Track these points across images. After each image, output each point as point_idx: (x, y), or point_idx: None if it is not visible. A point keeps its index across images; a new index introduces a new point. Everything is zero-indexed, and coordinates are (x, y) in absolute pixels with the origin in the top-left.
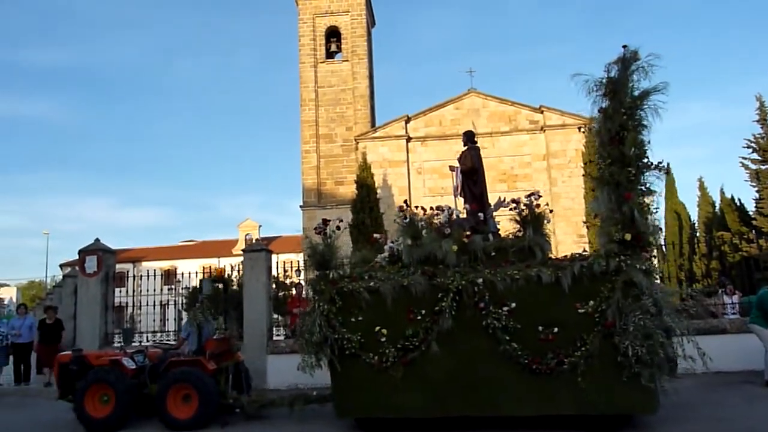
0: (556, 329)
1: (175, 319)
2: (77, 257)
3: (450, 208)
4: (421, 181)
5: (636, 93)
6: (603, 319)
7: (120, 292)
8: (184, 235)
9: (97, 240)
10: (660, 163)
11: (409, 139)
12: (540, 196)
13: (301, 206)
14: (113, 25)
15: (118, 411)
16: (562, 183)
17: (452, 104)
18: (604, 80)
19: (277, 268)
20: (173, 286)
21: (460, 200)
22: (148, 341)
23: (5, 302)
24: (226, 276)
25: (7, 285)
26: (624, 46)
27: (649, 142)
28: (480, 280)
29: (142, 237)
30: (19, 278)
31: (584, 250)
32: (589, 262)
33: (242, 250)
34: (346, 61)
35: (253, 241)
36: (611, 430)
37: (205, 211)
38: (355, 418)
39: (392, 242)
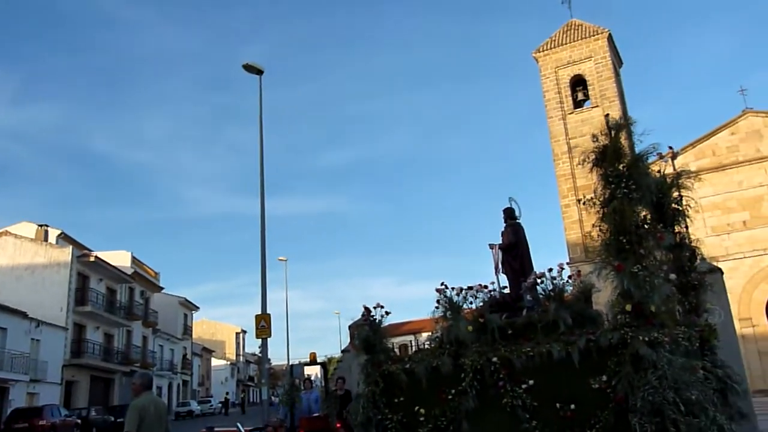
0: (573, 406)
1: None
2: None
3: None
4: (700, 220)
5: None
6: (615, 395)
7: None
8: None
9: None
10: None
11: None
12: (563, 268)
13: (567, 263)
14: (384, 123)
15: None
16: None
17: (726, 129)
18: None
19: None
20: None
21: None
22: None
23: (312, 377)
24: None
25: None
26: None
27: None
28: (495, 359)
29: (419, 309)
30: (323, 355)
31: None
32: (596, 335)
33: None
34: (596, 107)
35: None
36: None
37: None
38: None
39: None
